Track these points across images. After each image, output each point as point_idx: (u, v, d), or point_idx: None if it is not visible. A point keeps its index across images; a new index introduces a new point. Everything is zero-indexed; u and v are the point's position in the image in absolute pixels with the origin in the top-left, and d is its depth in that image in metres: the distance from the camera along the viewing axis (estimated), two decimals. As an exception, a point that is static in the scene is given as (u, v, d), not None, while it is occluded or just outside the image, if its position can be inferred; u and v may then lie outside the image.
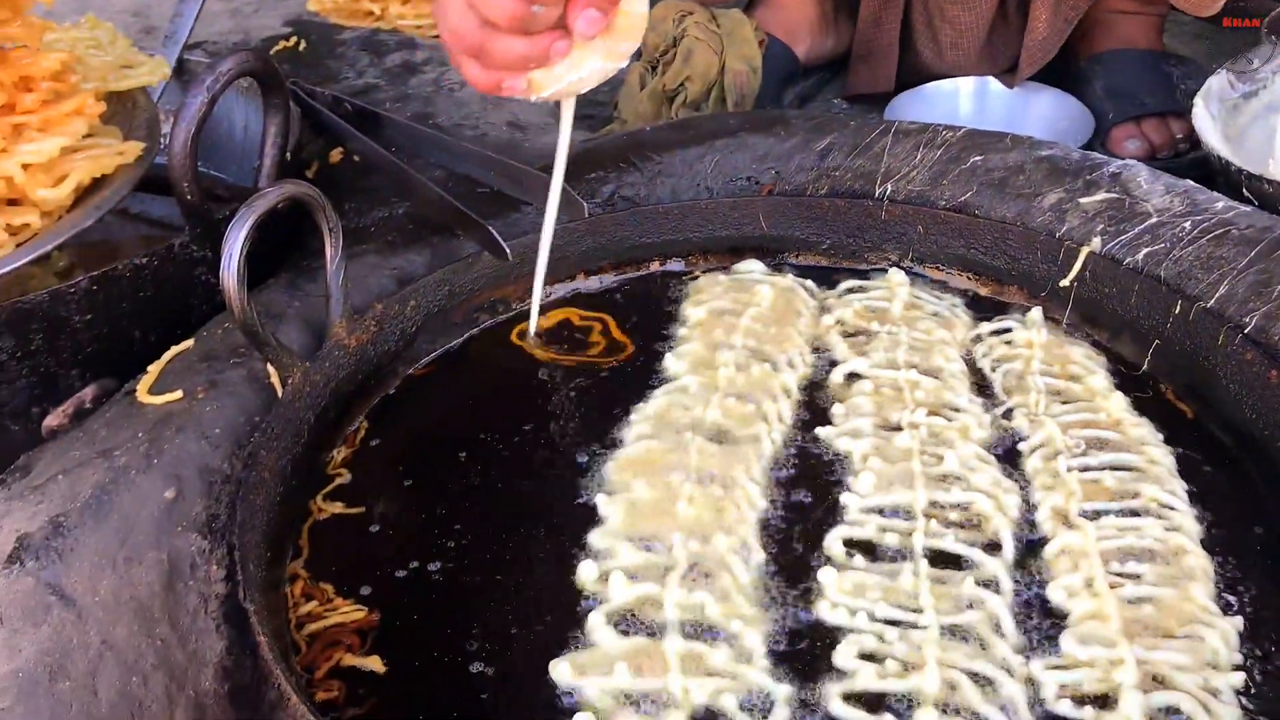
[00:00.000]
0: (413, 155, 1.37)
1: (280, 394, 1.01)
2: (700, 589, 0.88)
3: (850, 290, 1.24)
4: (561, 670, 0.83)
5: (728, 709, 0.80)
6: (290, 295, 1.14)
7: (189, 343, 1.08)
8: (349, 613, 0.90)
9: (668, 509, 0.95)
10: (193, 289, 1.16)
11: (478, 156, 1.34)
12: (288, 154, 1.31)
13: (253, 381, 1.04)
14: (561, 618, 0.88)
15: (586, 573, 0.91)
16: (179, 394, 1.01)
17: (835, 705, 0.80)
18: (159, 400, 1.02)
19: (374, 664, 0.86)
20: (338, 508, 1.00)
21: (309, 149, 1.49)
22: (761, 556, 0.93)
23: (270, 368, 1.02)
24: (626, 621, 0.87)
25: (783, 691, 0.81)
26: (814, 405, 1.10)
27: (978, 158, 1.29)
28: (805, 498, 0.99)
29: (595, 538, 0.94)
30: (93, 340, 1.08)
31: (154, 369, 1.05)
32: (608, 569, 0.90)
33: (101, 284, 1.06)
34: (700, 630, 0.86)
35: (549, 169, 1.10)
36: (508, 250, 1.15)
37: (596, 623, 0.86)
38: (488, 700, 0.83)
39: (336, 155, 1.50)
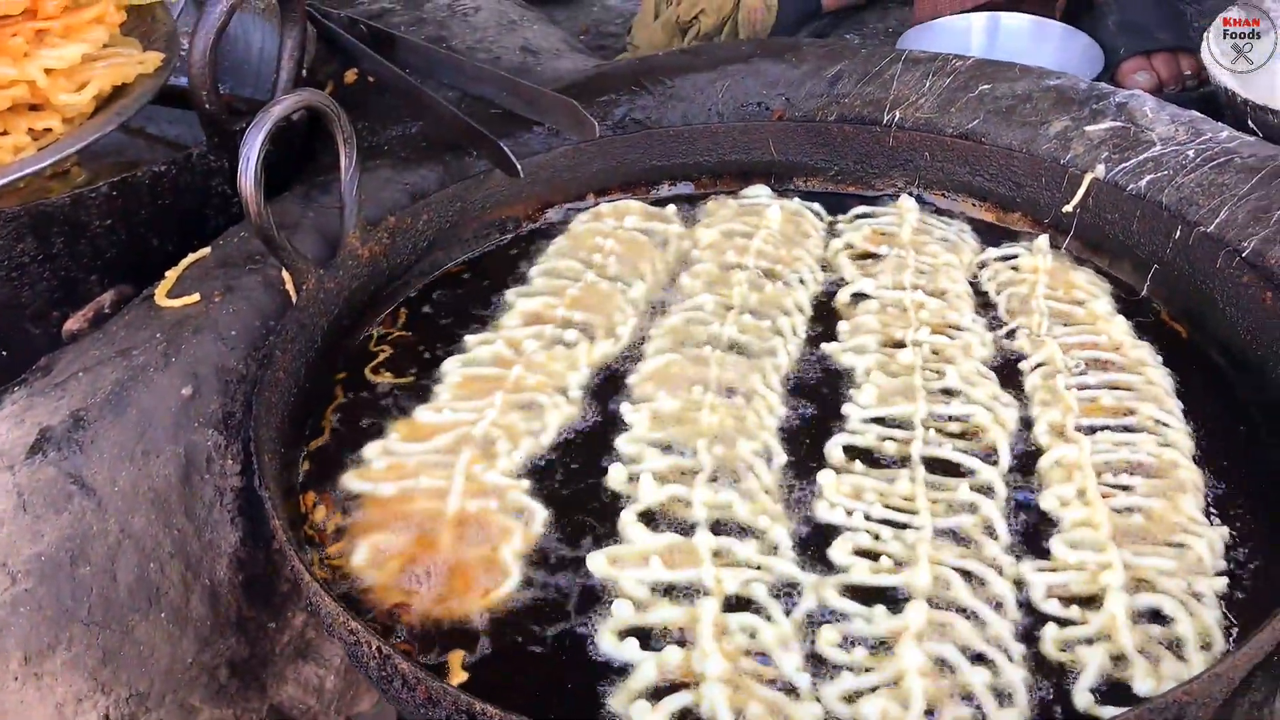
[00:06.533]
0: (426, 76, 1.38)
1: (295, 299, 1.04)
2: (726, 489, 0.91)
3: (860, 216, 1.26)
4: (597, 562, 0.85)
5: (758, 597, 0.83)
6: (304, 206, 1.16)
7: (205, 250, 1.11)
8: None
9: (691, 417, 0.97)
10: (209, 199, 1.17)
11: (491, 77, 1.35)
12: (304, 70, 1.32)
13: (268, 287, 1.06)
14: (593, 517, 0.90)
15: (616, 475, 0.93)
16: (196, 297, 1.04)
17: (831, 596, 0.82)
18: (177, 304, 1.04)
19: None
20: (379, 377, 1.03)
21: (324, 71, 1.49)
22: (784, 459, 0.95)
23: (285, 273, 1.05)
24: (656, 520, 0.89)
25: (810, 580, 0.84)
26: (826, 321, 1.12)
27: (986, 86, 1.30)
28: (813, 408, 1.01)
29: (622, 443, 0.96)
30: (112, 246, 1.10)
31: (171, 274, 1.08)
32: (636, 471, 0.93)
33: (121, 190, 1.08)
34: (727, 528, 0.88)
35: (563, 90, 1.11)
36: (519, 167, 1.17)
37: (628, 520, 0.89)
38: (525, 598, 0.84)
39: (351, 76, 1.51)
